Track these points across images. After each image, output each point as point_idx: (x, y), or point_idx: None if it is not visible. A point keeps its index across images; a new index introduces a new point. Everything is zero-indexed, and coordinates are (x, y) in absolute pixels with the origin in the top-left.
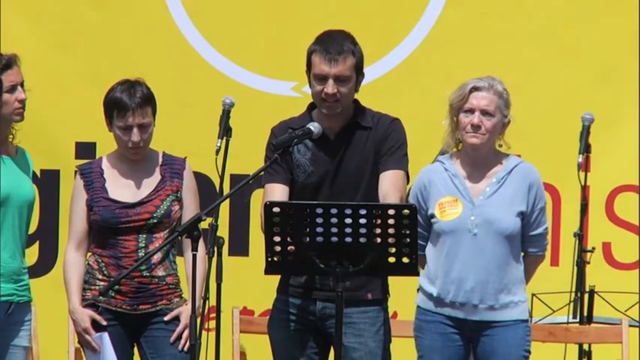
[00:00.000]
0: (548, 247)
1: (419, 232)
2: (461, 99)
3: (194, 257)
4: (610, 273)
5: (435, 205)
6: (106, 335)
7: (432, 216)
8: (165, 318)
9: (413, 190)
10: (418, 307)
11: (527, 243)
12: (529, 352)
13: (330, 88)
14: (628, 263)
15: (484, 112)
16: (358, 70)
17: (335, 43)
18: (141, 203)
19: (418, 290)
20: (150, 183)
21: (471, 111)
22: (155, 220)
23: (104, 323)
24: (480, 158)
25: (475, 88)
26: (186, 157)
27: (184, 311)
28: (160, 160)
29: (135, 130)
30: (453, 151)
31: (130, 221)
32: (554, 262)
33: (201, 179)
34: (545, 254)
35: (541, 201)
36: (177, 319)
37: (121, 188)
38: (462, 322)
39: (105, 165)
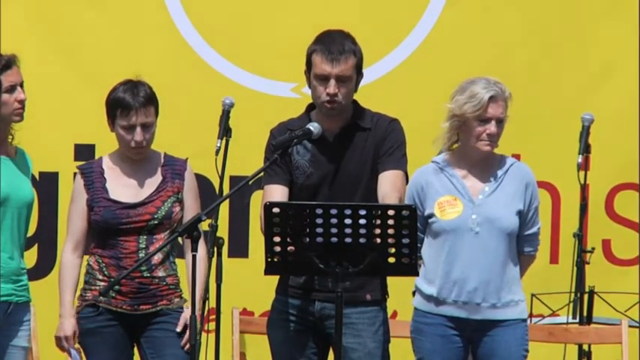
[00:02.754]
0: (547, 245)
1: None
2: (479, 108)
3: (194, 258)
4: (610, 270)
5: (433, 204)
6: (75, 353)
7: (430, 216)
8: (178, 329)
9: (409, 192)
10: (416, 309)
11: (522, 242)
12: (528, 351)
13: (331, 88)
14: (628, 259)
15: (499, 121)
16: (358, 70)
17: (336, 43)
18: (142, 204)
19: (414, 292)
20: (151, 184)
21: (488, 120)
22: (156, 222)
23: (76, 346)
24: (480, 160)
25: (492, 98)
26: (187, 159)
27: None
28: (162, 160)
29: (138, 129)
30: (447, 151)
31: (130, 222)
32: (554, 259)
33: (200, 181)
34: (537, 254)
35: (536, 200)
36: (179, 318)
37: (122, 188)
38: (463, 322)
39: (106, 165)
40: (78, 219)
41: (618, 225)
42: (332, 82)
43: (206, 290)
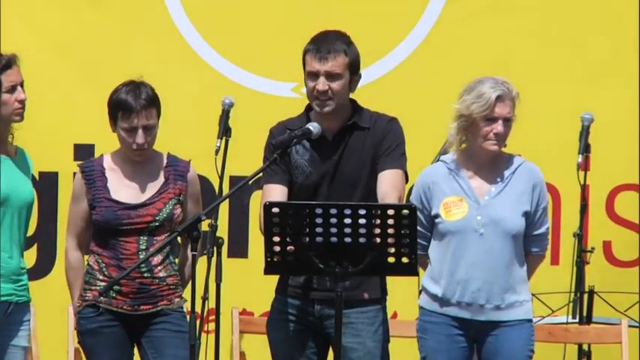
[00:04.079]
0: (548, 246)
1: (421, 233)
2: (486, 108)
3: (194, 257)
4: (610, 271)
5: (439, 204)
6: None
7: (436, 216)
8: None
9: (415, 191)
10: (422, 308)
11: (529, 243)
12: (533, 351)
13: (320, 85)
14: (628, 261)
15: (506, 120)
16: (352, 69)
17: (327, 42)
18: (143, 205)
19: (421, 291)
20: (153, 185)
21: (495, 119)
22: (157, 223)
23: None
24: (488, 160)
25: (499, 97)
26: (190, 160)
27: None
28: (165, 161)
29: (140, 131)
30: (456, 151)
31: (131, 223)
32: (554, 260)
33: (200, 181)
34: (545, 254)
35: (544, 200)
36: (182, 318)
37: (123, 189)
38: (467, 322)
39: (107, 164)
40: (80, 218)
41: (619, 226)
42: (321, 78)
43: (206, 290)
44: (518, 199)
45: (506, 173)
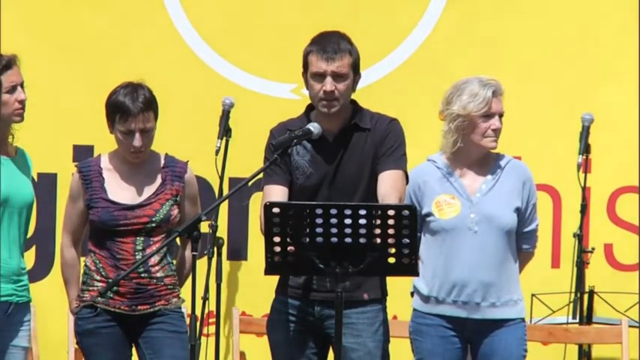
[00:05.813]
0: (549, 248)
1: None
2: (485, 105)
3: (193, 258)
4: (612, 274)
5: (431, 203)
6: None
7: (428, 215)
8: None
9: (406, 191)
10: (415, 310)
11: (520, 240)
12: (526, 350)
13: (328, 85)
14: (630, 265)
15: (500, 115)
16: (355, 69)
17: (332, 43)
18: (140, 206)
19: (412, 293)
20: (150, 186)
21: (492, 115)
22: (154, 224)
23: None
24: (478, 158)
25: (494, 93)
26: (188, 161)
27: None
28: (162, 162)
29: (137, 135)
30: (444, 151)
31: (128, 224)
32: (555, 263)
33: (199, 182)
34: (535, 251)
35: (533, 197)
36: (180, 319)
37: (120, 189)
38: (462, 322)
39: (104, 164)
40: (76, 216)
41: (620, 229)
42: (328, 79)
43: (206, 290)
44: (509, 196)
45: (496, 171)
